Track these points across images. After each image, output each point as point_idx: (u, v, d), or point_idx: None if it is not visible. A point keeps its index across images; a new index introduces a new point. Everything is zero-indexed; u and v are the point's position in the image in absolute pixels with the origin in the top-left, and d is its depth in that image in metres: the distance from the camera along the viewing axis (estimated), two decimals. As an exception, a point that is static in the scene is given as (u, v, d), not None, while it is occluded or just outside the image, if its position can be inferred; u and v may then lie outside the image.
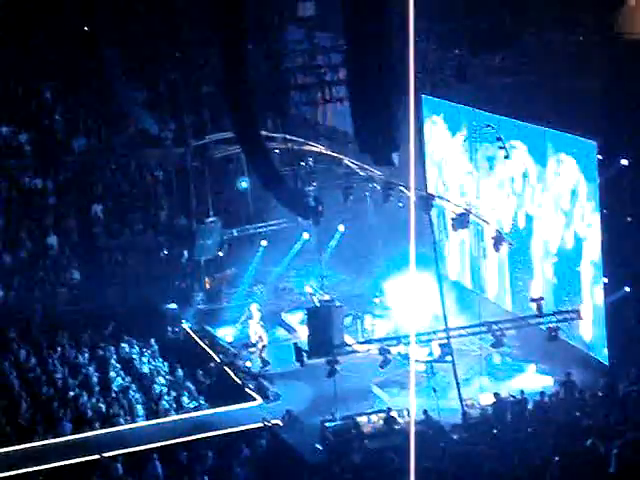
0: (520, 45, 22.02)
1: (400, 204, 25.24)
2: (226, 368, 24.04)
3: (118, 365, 24.07)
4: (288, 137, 26.79)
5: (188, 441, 20.64)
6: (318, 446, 19.86)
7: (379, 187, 25.13)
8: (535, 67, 21.56)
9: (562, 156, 22.14)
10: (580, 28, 20.72)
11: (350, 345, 21.29)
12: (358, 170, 25.13)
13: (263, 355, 24.75)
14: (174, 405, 22.42)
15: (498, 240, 23.13)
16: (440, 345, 21.13)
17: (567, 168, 22.04)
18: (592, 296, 21.81)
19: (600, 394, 19.84)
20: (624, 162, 20.22)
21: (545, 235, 23.27)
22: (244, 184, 28.49)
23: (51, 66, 31.31)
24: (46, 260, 28.41)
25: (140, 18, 30.26)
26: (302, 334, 24.31)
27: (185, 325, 26.68)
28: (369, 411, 20.91)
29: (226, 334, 26.32)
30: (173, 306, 27.00)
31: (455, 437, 19.09)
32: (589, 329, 21.98)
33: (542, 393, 20.58)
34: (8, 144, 30.10)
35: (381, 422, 20.36)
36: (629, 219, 20.56)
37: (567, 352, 22.24)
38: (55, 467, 20.14)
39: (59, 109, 31.24)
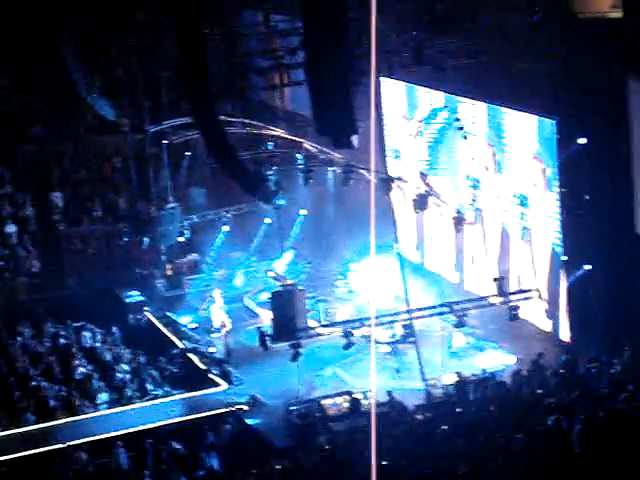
0: (477, 26, 22.07)
1: (360, 187, 25.29)
2: (189, 354, 23.99)
3: (80, 353, 23.94)
4: (247, 121, 26.72)
5: (153, 428, 20.60)
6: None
7: (339, 170, 25.14)
8: (492, 48, 21.61)
9: (519, 136, 22.26)
10: (536, 8, 20.75)
11: (313, 328, 21.33)
12: (318, 153, 25.11)
13: (228, 341, 24.69)
14: (138, 392, 22.35)
15: (459, 221, 23.24)
16: (403, 326, 21.21)
17: (525, 150, 22.17)
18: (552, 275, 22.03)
19: (561, 372, 20.03)
20: (582, 141, 20.36)
21: (503, 216, 23.43)
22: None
23: (7, 53, 30.93)
24: (5, 249, 28.15)
25: (95, 2, 29.92)
26: (265, 318, 24.32)
27: (147, 312, 26.58)
28: (333, 393, 20.98)
29: (189, 320, 26.26)
30: (135, 293, 26.88)
31: (419, 417, 19.20)
32: (549, 307, 22.19)
33: (503, 371, 20.77)
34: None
35: (345, 404, 20.43)
36: (587, 197, 20.71)
37: (528, 331, 22.43)
38: (18, 457, 20.00)
39: (15, 96, 30.88)
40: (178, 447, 19.57)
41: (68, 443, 20.03)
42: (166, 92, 30.82)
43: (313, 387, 21.71)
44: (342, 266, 27.51)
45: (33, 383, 22.49)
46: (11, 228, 28.38)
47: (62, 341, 24.49)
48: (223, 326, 25.06)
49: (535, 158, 21.86)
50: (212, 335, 25.26)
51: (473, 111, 23.69)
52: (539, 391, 18.96)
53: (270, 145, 27.46)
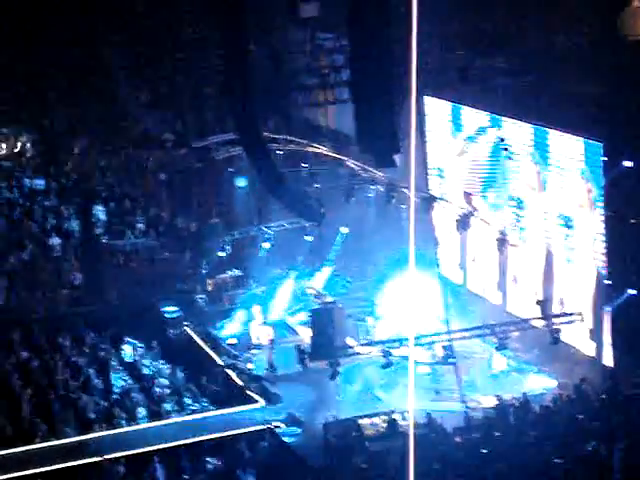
0: (523, 47, 21.97)
1: (403, 206, 25.18)
2: (228, 370, 23.97)
3: (120, 367, 24.02)
4: (290, 138, 26.77)
5: (190, 443, 20.59)
6: None
7: (381, 189, 25.07)
8: (538, 69, 21.48)
9: (566, 159, 22.06)
10: (584, 29, 20.64)
11: (352, 347, 21.23)
12: (360, 172, 25.06)
13: (272, 357, 24.55)
14: (176, 407, 22.36)
15: (502, 242, 23.06)
16: (443, 347, 21.05)
17: (570, 171, 21.96)
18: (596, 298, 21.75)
19: (603, 397, 19.75)
20: (628, 164, 20.14)
21: (547, 237, 23.20)
22: (242, 182, 28.34)
23: (53, 66, 31.30)
24: (48, 262, 28.37)
25: (142, 18, 30.21)
26: (304, 336, 24.24)
27: (187, 327, 26.62)
28: (371, 413, 20.84)
29: (228, 336, 26.25)
30: (175, 308, 26.96)
31: (457, 440, 19.01)
32: (592, 331, 21.91)
33: (544, 395, 20.52)
34: (10, 145, 30.08)
35: (383, 424, 20.28)
36: (633, 221, 20.46)
37: (570, 354, 22.15)
38: (56, 469, 20.07)
39: (61, 109, 31.20)
40: (215, 463, 19.54)
41: (106, 456, 20.07)
42: (211, 108, 30.98)
43: (351, 406, 21.56)
44: (382, 284, 27.37)
45: (73, 395, 22.59)
46: (55, 240, 28.59)
47: (102, 354, 24.58)
48: (266, 342, 25.00)
49: (581, 179, 21.64)
50: (251, 351, 25.23)
51: (518, 131, 23.52)
52: (580, 416, 18.71)
53: (313, 162, 27.46)
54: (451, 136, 26.43)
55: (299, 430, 20.98)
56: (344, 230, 27.84)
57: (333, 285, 27.69)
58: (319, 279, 27.74)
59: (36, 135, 30.45)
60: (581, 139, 21.38)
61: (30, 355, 24.53)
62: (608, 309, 21.25)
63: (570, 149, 21.82)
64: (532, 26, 21.75)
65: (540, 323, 20.82)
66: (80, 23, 30.48)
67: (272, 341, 24.78)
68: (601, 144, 20.75)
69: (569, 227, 22.33)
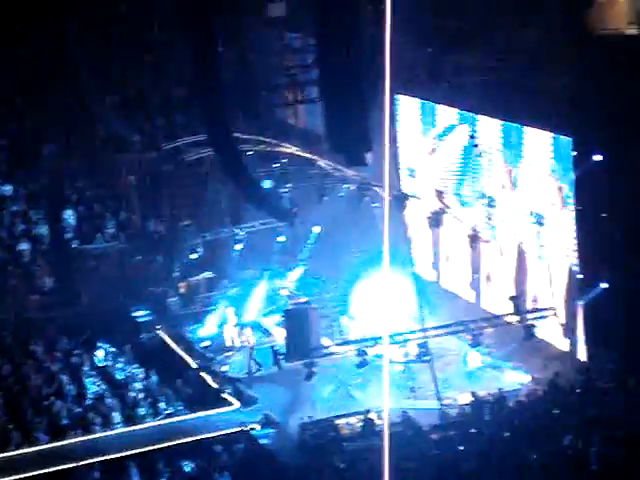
0: (492, 43, 22.01)
1: (375, 204, 25.18)
2: (202, 373, 23.86)
3: (93, 372, 23.85)
4: (261, 139, 26.68)
5: (165, 447, 20.47)
6: None
7: (353, 187, 25.04)
8: (507, 65, 21.52)
9: (535, 153, 22.14)
10: (552, 25, 20.70)
11: (327, 347, 21.20)
12: (332, 171, 25.03)
13: (253, 356, 24.43)
14: (150, 411, 22.23)
15: (474, 238, 23.10)
16: (418, 345, 21.06)
17: (540, 166, 22.05)
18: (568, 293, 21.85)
19: (578, 391, 19.82)
20: (598, 158, 20.22)
21: (519, 234, 23.28)
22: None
23: (20, 71, 31.01)
24: (18, 267, 28.12)
25: (109, 20, 30.00)
26: (278, 337, 24.17)
27: (160, 330, 26.47)
28: (347, 413, 20.80)
29: (202, 338, 26.14)
30: (148, 311, 26.81)
31: (434, 437, 19.02)
32: (565, 326, 22.00)
33: (519, 391, 20.58)
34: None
35: (359, 424, 20.25)
36: (603, 215, 20.55)
37: (544, 350, 22.24)
38: (31, 476, 19.89)
39: (28, 115, 30.93)
40: (190, 466, 19.43)
41: (80, 462, 19.92)
42: (180, 110, 30.83)
43: (327, 406, 21.51)
44: (355, 283, 27.36)
45: (45, 402, 22.40)
46: (24, 246, 28.35)
47: (75, 359, 24.41)
48: (247, 342, 24.92)
49: (551, 176, 21.72)
50: (225, 353, 25.13)
51: (489, 128, 23.58)
52: (555, 411, 18.77)
53: (284, 162, 27.39)
54: (422, 134, 26.47)
55: (274, 431, 20.92)
56: (316, 229, 27.81)
57: (306, 285, 27.66)
58: (292, 279, 27.70)
59: (3, 140, 30.14)
60: (550, 135, 21.46)
61: (1, 361, 24.31)
62: (580, 303, 21.33)
63: (540, 145, 21.90)
64: (501, 22, 21.79)
65: (514, 319, 20.86)
66: (47, 25, 30.23)
67: (252, 345, 24.73)
68: (570, 139, 20.83)
69: (540, 224, 22.41)
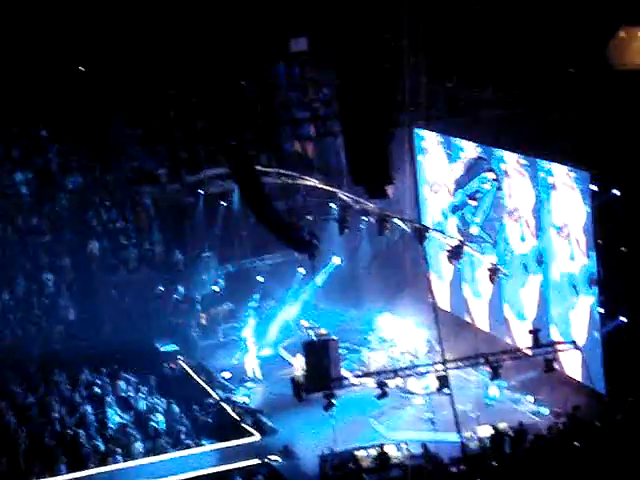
0: (512, 77, 22.18)
1: (395, 237, 25.37)
2: (223, 404, 23.96)
3: (115, 403, 23.99)
4: (282, 171, 26.91)
5: (186, 478, 20.54)
6: None
7: (374, 220, 25.18)
8: (527, 100, 21.67)
9: (558, 186, 22.22)
10: (572, 60, 20.86)
11: (347, 379, 21.25)
12: (352, 203, 25.20)
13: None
14: (171, 442, 22.32)
15: (494, 272, 23.13)
16: (437, 377, 21.06)
17: (563, 197, 22.11)
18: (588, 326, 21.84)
19: (598, 424, 19.77)
20: (616, 192, 20.30)
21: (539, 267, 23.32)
22: (337, 261, 28.14)
23: (46, 104, 31.44)
24: (42, 298, 28.38)
25: (135, 55, 30.40)
26: (298, 368, 24.25)
27: (182, 361, 26.61)
28: (367, 445, 20.82)
29: (223, 369, 26.25)
30: (170, 342, 26.97)
31: (454, 470, 19.00)
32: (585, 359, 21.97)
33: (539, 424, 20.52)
34: (4, 183, 30.16)
35: (379, 456, 20.24)
36: (623, 249, 20.59)
37: (564, 383, 22.20)
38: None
39: (54, 147, 31.33)
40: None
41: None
42: (203, 143, 31.13)
43: (347, 438, 21.54)
44: (376, 315, 27.43)
45: (68, 432, 22.54)
46: (48, 276, 28.62)
47: (97, 390, 24.55)
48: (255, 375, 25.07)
49: (573, 210, 21.77)
50: (246, 384, 25.22)
51: (509, 162, 23.71)
52: (575, 443, 18.73)
53: (305, 195, 27.58)
54: (442, 167, 26.63)
55: (294, 462, 20.95)
56: (336, 261, 27.91)
57: (326, 316, 27.70)
58: (312, 310, 27.76)
59: (29, 173, 30.52)
60: (571, 168, 21.56)
61: (25, 392, 24.50)
62: (599, 336, 21.33)
63: (562, 180, 21.98)
64: (520, 57, 21.96)
65: (534, 352, 20.85)
66: (74, 61, 30.67)
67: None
68: (589, 173, 20.92)
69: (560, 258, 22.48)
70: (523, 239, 23.79)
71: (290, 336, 27.52)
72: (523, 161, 23.26)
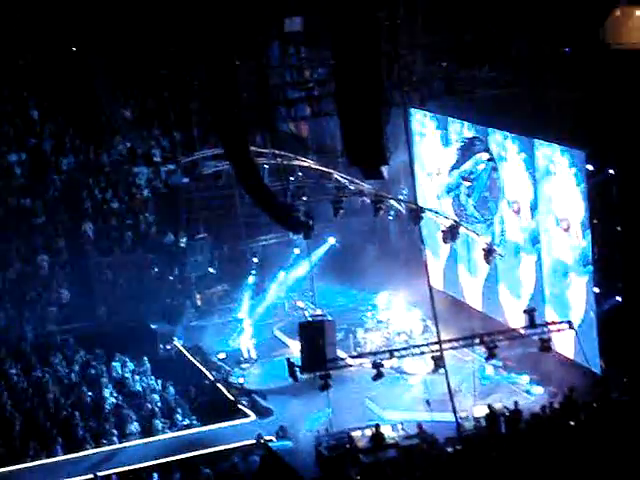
0: (507, 57, 22.08)
1: (390, 217, 25.31)
2: (219, 384, 23.97)
3: (110, 384, 23.99)
4: (277, 152, 26.81)
5: (182, 459, 20.58)
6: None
7: (369, 200, 25.14)
8: (522, 79, 21.60)
9: (552, 166, 22.19)
10: (567, 39, 20.78)
11: (343, 359, 21.25)
12: (348, 184, 25.15)
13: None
14: (167, 423, 22.34)
15: (489, 252, 23.12)
16: (433, 357, 21.07)
17: (558, 178, 22.09)
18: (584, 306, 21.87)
19: (593, 404, 19.82)
20: (611, 171, 20.28)
21: (534, 247, 23.32)
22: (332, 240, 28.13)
23: (38, 85, 31.28)
24: (36, 280, 28.32)
25: (127, 36, 30.25)
26: (294, 348, 24.26)
27: (177, 342, 26.61)
28: (363, 425, 20.85)
29: (218, 350, 26.25)
30: (165, 323, 26.95)
31: (449, 450, 19.04)
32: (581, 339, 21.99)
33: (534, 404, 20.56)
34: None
35: (375, 436, 20.28)
36: (619, 228, 20.58)
37: (559, 362, 22.24)
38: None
39: (47, 128, 31.20)
40: (206, 478, 19.54)
41: (97, 473, 20.04)
42: (197, 123, 31.02)
43: (342, 418, 21.57)
44: (371, 296, 27.43)
45: (63, 413, 22.55)
46: (42, 258, 28.55)
47: (92, 371, 24.56)
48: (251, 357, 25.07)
49: (571, 188, 21.74)
50: (241, 365, 25.23)
51: (504, 142, 23.66)
52: (571, 423, 18.78)
53: (300, 176, 27.49)
54: (438, 148, 26.56)
55: (290, 443, 20.99)
56: (331, 241, 27.89)
57: (322, 297, 27.68)
58: (308, 291, 27.75)
59: (23, 154, 30.40)
60: (566, 148, 21.52)
61: (20, 374, 24.49)
62: (595, 316, 21.35)
63: (556, 159, 21.95)
64: (516, 36, 21.86)
65: (529, 332, 20.86)
66: (66, 41, 30.51)
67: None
68: (585, 152, 20.89)
69: (557, 236, 22.47)
70: (518, 219, 23.78)
71: (286, 316, 27.53)
72: (518, 142, 23.22)
